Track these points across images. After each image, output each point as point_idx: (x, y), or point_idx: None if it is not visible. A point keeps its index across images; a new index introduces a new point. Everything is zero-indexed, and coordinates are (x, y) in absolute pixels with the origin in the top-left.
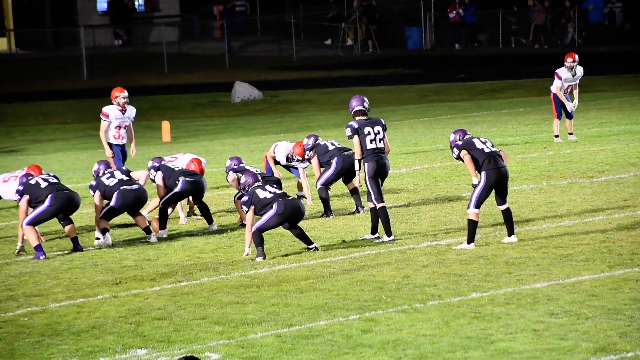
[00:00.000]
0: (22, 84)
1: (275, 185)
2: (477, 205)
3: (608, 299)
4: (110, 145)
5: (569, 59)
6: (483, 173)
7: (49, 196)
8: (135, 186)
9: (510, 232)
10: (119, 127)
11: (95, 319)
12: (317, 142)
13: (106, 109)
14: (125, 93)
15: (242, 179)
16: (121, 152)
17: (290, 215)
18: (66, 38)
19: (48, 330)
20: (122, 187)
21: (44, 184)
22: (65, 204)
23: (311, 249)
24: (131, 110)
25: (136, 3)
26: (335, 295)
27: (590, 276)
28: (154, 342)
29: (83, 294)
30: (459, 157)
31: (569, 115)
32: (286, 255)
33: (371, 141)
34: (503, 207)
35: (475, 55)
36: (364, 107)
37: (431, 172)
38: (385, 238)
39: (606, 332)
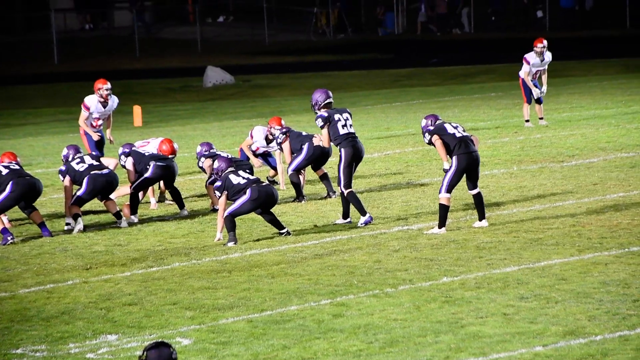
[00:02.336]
0: None
1: (248, 171)
2: (449, 190)
3: (577, 282)
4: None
5: (539, 44)
6: (454, 158)
7: (10, 183)
8: (105, 171)
9: (481, 217)
10: (98, 118)
11: (65, 304)
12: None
13: (88, 101)
14: (108, 85)
15: (215, 164)
16: (100, 141)
17: (264, 201)
18: (37, 22)
19: (17, 316)
20: (92, 172)
21: (4, 171)
22: (26, 191)
23: (283, 233)
24: (113, 102)
25: None
26: (307, 280)
27: (560, 260)
28: (124, 328)
29: (53, 280)
30: (430, 142)
31: (539, 100)
32: (258, 240)
33: (343, 126)
34: (474, 191)
35: (448, 40)
36: (331, 99)
37: (403, 157)
38: (362, 219)
39: (575, 316)
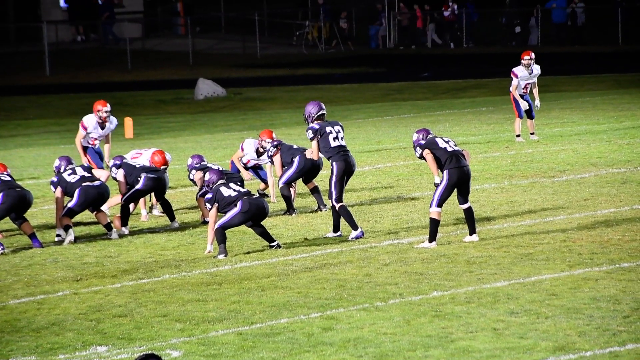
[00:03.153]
0: None
1: (239, 184)
2: (439, 204)
3: (568, 298)
4: (85, 148)
5: (526, 57)
6: (445, 172)
7: (1, 194)
8: (97, 183)
9: (472, 231)
10: (95, 138)
11: (55, 315)
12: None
13: (86, 121)
14: (108, 107)
15: (206, 177)
16: (96, 152)
17: (255, 214)
18: (29, 33)
19: (7, 326)
20: (84, 184)
21: None
22: (17, 202)
23: (273, 246)
24: (111, 123)
25: None
26: (297, 293)
27: (550, 275)
28: (114, 340)
29: (43, 291)
30: (421, 157)
31: (530, 115)
32: (248, 252)
33: (334, 139)
34: (465, 206)
35: (439, 55)
36: (324, 111)
37: (394, 171)
38: (353, 234)
39: (565, 331)
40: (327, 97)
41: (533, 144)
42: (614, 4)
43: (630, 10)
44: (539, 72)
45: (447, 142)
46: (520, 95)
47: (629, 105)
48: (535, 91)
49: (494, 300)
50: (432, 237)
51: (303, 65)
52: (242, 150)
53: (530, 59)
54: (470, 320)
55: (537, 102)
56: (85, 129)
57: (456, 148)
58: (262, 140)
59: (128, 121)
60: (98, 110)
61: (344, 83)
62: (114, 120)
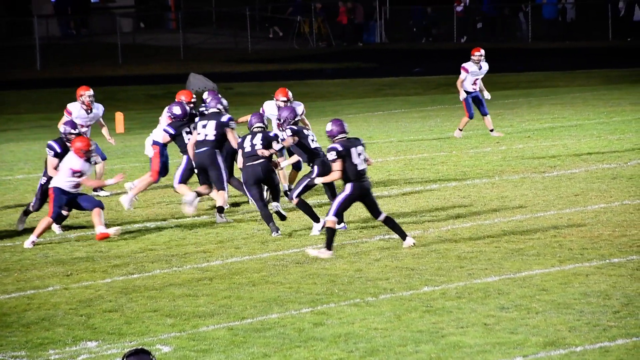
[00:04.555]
0: None
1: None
2: (337, 214)
3: (558, 293)
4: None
5: (476, 53)
6: (350, 184)
7: None
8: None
9: (403, 236)
10: (82, 125)
11: (45, 310)
12: None
13: (70, 107)
14: (91, 92)
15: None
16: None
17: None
18: (20, 28)
19: None
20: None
21: None
22: None
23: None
24: (98, 109)
25: None
26: (288, 288)
27: (541, 271)
28: (104, 335)
29: (33, 286)
30: (331, 160)
31: (484, 112)
32: (239, 247)
33: (312, 141)
34: (382, 217)
35: (430, 50)
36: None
37: (385, 166)
38: (315, 227)
39: (556, 327)
40: (318, 92)
41: (524, 139)
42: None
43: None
44: (487, 69)
45: (359, 155)
46: (469, 91)
47: (619, 101)
48: (481, 84)
49: (485, 295)
50: (329, 246)
51: (294, 60)
52: (264, 112)
53: (481, 55)
54: (461, 315)
55: (486, 93)
56: (70, 113)
57: (364, 165)
58: (276, 101)
59: (119, 116)
60: (81, 95)
61: (335, 78)
62: (99, 106)
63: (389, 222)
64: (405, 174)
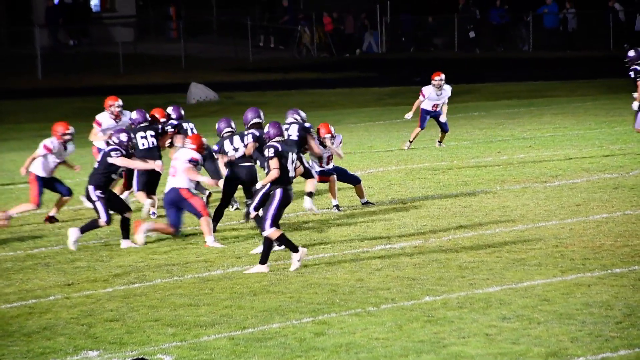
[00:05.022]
0: None
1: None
2: (274, 224)
3: (560, 303)
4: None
5: (436, 77)
6: (280, 190)
7: None
8: None
9: (294, 250)
10: (112, 134)
11: (46, 320)
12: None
13: (100, 118)
14: (120, 102)
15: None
16: None
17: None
18: (21, 37)
19: None
20: None
21: None
22: None
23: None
24: (126, 117)
25: (92, 3)
26: (289, 298)
27: (543, 281)
28: (106, 344)
29: (35, 295)
30: (269, 157)
31: (444, 129)
32: (240, 257)
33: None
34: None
35: (431, 59)
36: (261, 118)
37: (386, 176)
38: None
39: (558, 337)
40: (319, 101)
41: (525, 149)
42: (605, 9)
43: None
44: (449, 94)
45: (292, 163)
46: (429, 111)
47: (621, 110)
48: (445, 108)
49: (486, 305)
50: (265, 259)
51: (295, 70)
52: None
53: (441, 79)
54: (463, 325)
55: (444, 117)
56: (100, 124)
57: (293, 175)
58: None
59: None
60: (110, 106)
61: (336, 87)
62: (127, 114)
63: (268, 240)
64: (407, 183)
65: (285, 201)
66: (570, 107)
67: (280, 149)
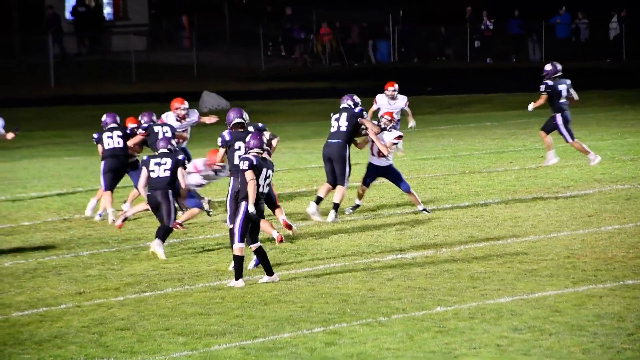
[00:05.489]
0: None
1: None
2: (242, 239)
3: (572, 315)
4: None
5: (390, 88)
6: (245, 204)
7: None
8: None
9: (269, 272)
10: (182, 130)
11: (58, 328)
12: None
13: (165, 118)
14: (186, 104)
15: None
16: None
17: None
18: (34, 45)
19: (10, 339)
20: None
21: None
22: None
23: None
24: (193, 115)
25: (105, 12)
26: (300, 307)
27: (554, 292)
28: (116, 353)
29: (46, 303)
30: (242, 170)
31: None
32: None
33: (240, 157)
34: (254, 246)
35: (443, 69)
36: (243, 119)
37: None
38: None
39: (569, 349)
40: (331, 110)
41: (537, 160)
42: (617, 20)
43: (633, 26)
44: (403, 106)
45: (266, 178)
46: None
47: (633, 121)
48: (408, 116)
49: (498, 316)
50: (239, 274)
51: (307, 79)
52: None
53: (394, 90)
54: (474, 336)
55: (412, 123)
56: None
57: (264, 191)
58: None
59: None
60: (177, 108)
61: None
62: (194, 112)
63: (259, 253)
64: (418, 193)
65: (251, 217)
66: (582, 117)
67: (255, 162)
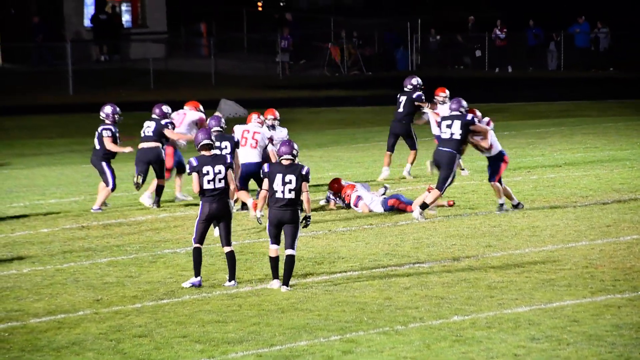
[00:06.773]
0: (7, 97)
1: None
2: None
3: (589, 325)
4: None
5: (441, 93)
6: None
7: None
8: None
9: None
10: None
11: (75, 335)
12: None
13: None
14: (276, 114)
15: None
16: None
17: None
18: (53, 53)
19: (28, 345)
20: None
21: None
22: None
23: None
24: (282, 133)
25: (123, 19)
26: (317, 315)
27: (572, 302)
28: None
29: (64, 310)
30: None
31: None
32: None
33: (209, 181)
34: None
35: (460, 78)
36: (211, 140)
37: (415, 194)
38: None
39: (587, 359)
40: (349, 119)
41: (555, 169)
42: (637, 29)
43: None
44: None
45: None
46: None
47: None
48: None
49: (515, 325)
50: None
51: (325, 87)
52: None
53: (446, 96)
54: (491, 345)
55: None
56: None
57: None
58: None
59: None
60: (266, 119)
61: (366, 105)
62: (284, 130)
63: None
64: (436, 201)
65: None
66: (601, 127)
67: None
